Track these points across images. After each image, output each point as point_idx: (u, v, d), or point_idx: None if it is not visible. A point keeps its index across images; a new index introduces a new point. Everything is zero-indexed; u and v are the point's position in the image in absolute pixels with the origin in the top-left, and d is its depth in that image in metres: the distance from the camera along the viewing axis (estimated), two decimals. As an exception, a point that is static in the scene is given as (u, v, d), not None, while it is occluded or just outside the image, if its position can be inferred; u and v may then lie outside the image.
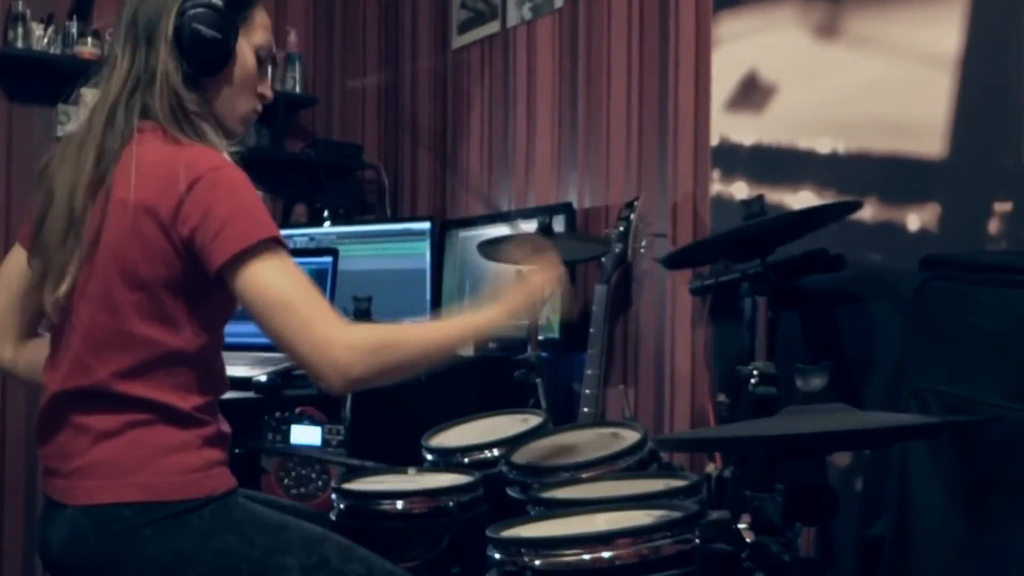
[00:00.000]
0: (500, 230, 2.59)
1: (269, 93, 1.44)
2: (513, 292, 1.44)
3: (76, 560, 1.25)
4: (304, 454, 2.08)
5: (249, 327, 2.42)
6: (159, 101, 1.30)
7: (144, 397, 1.26)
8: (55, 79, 2.84)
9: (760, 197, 1.85)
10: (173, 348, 1.27)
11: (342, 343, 1.21)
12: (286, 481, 2.08)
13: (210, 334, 1.32)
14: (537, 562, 1.27)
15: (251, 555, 1.24)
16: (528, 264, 1.49)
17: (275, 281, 1.23)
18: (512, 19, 2.96)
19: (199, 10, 1.32)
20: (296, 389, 2.19)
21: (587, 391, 2.11)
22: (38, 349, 1.42)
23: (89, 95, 2.94)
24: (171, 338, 1.27)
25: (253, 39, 1.39)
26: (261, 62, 1.41)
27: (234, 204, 1.24)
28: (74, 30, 2.88)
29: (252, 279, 1.22)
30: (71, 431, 1.28)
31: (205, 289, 1.27)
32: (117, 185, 1.27)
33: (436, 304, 2.84)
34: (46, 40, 2.86)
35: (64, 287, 1.27)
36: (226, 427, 1.37)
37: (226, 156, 1.32)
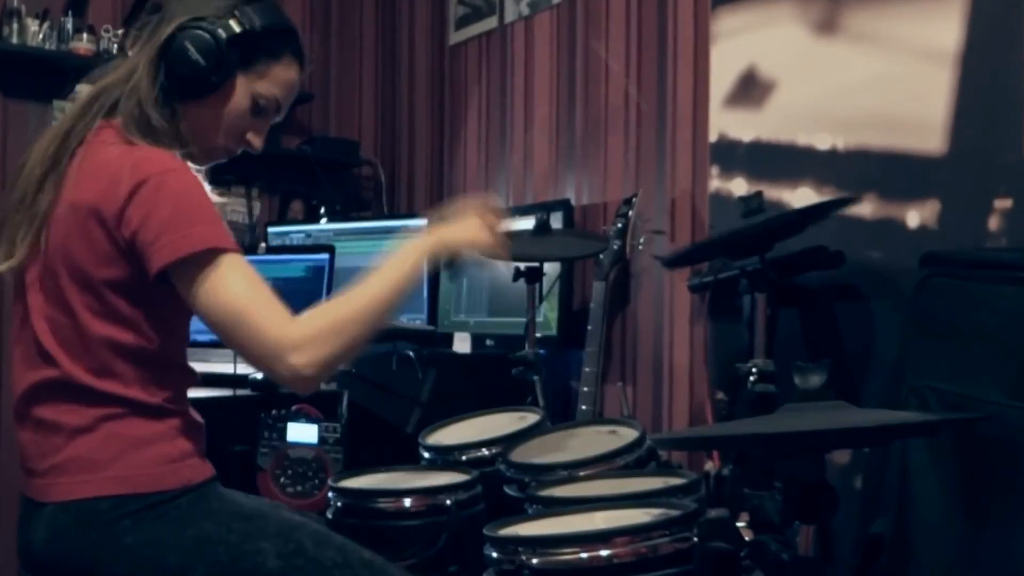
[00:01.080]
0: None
1: (258, 144, 1.39)
2: (437, 228, 1.40)
3: (58, 557, 1.25)
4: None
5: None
6: (126, 103, 1.30)
7: (112, 392, 1.26)
8: (50, 75, 2.84)
9: (759, 194, 1.85)
10: (132, 346, 1.27)
11: (289, 345, 1.19)
12: (282, 479, 2.07)
13: (169, 331, 1.31)
14: (535, 561, 1.26)
15: (228, 539, 1.25)
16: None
17: (219, 289, 1.20)
18: (510, 15, 2.95)
19: (198, 32, 1.29)
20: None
21: (585, 389, 2.11)
22: None
23: (84, 91, 2.95)
24: (128, 337, 1.26)
25: (257, 86, 1.34)
26: (260, 111, 1.36)
27: (176, 210, 1.21)
28: (69, 26, 2.88)
29: (195, 288, 1.20)
30: (45, 429, 1.28)
31: (155, 289, 1.25)
32: (68, 184, 1.27)
33: (432, 302, 2.83)
34: (41, 36, 2.85)
35: (12, 263, 1.28)
36: (198, 418, 1.37)
37: (178, 157, 1.29)
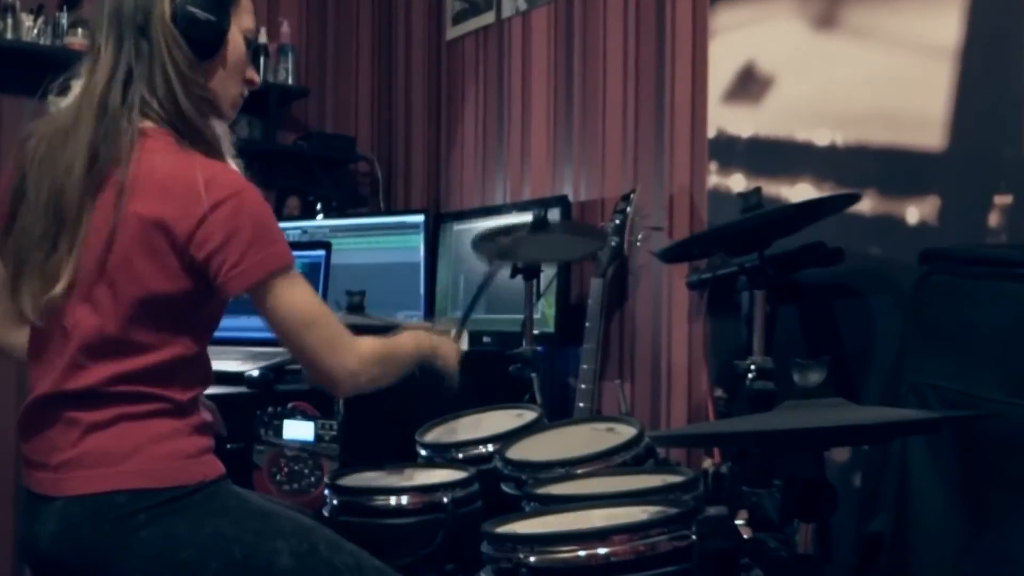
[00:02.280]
0: (495, 223, 2.57)
1: (257, 78, 1.44)
2: (441, 336, 1.64)
3: (67, 551, 1.24)
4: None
5: (241, 321, 2.41)
6: (159, 93, 1.29)
7: (140, 392, 1.27)
8: (45, 70, 2.82)
9: (758, 190, 1.85)
10: (172, 355, 1.29)
11: (356, 356, 1.35)
12: (278, 477, 2.06)
13: (206, 339, 1.35)
14: (532, 559, 1.26)
15: (243, 538, 1.25)
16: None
17: (298, 302, 1.31)
18: (507, 10, 2.94)
19: None
20: (288, 384, 2.18)
21: (583, 386, 2.10)
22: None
23: (78, 87, 2.95)
24: (171, 346, 1.29)
25: (242, 23, 1.39)
26: (248, 45, 1.41)
27: (258, 230, 1.27)
28: (64, 21, 2.86)
29: (277, 302, 1.29)
30: (60, 426, 1.27)
31: (207, 300, 1.30)
32: (132, 196, 1.25)
33: (430, 298, 2.82)
34: (36, 31, 2.84)
35: (59, 288, 1.25)
36: (206, 414, 1.38)
37: (234, 166, 1.33)
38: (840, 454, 1.86)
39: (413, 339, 1.52)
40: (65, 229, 1.26)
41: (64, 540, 1.24)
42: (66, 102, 1.35)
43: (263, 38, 3.17)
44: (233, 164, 1.36)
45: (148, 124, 1.30)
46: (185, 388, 1.30)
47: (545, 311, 2.48)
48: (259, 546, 1.25)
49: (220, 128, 1.37)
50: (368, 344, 1.39)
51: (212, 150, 1.32)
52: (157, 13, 1.30)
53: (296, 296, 1.30)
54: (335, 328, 1.34)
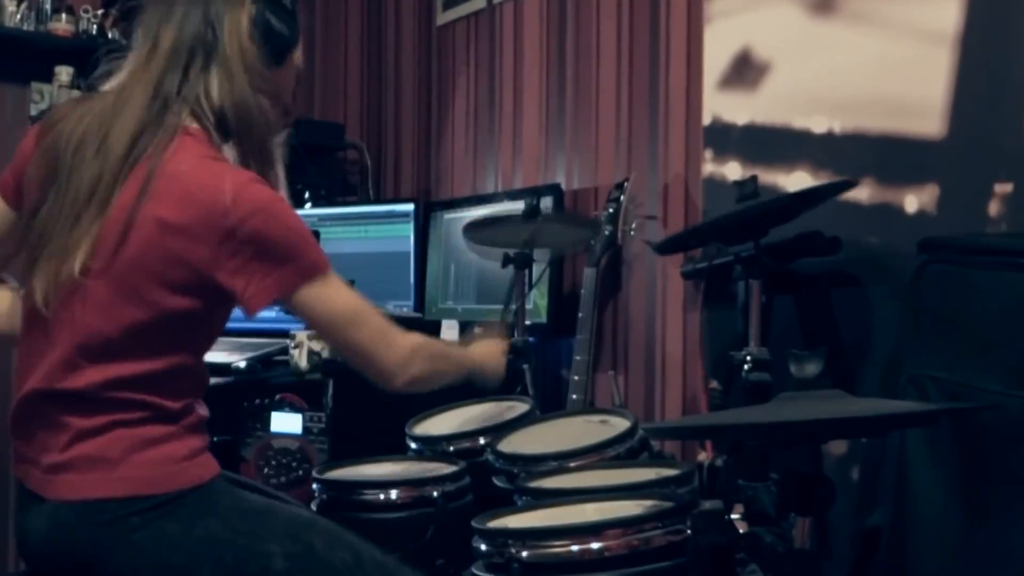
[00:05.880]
0: (485, 211, 2.55)
1: (291, 103, 1.49)
2: (492, 350, 1.64)
3: (57, 551, 1.23)
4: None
5: (227, 311, 2.35)
6: (217, 91, 1.27)
7: (131, 398, 1.24)
8: (28, 56, 2.80)
9: (753, 178, 1.84)
10: (170, 365, 1.26)
11: (409, 346, 1.36)
12: (266, 470, 2.05)
13: (206, 347, 1.33)
14: (524, 553, 1.26)
15: (236, 541, 1.23)
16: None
17: (342, 300, 1.31)
18: (499, -5, 2.91)
19: (272, 2, 1.34)
20: (276, 375, 2.15)
21: (575, 377, 2.10)
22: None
23: (63, 73, 2.92)
24: (170, 356, 1.26)
25: (298, 46, 1.42)
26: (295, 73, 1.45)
27: (288, 246, 1.26)
28: (47, 6, 2.86)
29: (321, 302, 1.29)
30: (51, 427, 1.25)
31: (215, 311, 1.28)
32: (155, 195, 1.22)
33: (420, 288, 2.80)
34: (19, 16, 2.82)
35: (76, 264, 1.21)
36: (204, 410, 1.35)
37: (266, 183, 1.30)
38: (837, 447, 1.85)
39: (463, 351, 1.58)
40: (90, 209, 1.23)
41: (54, 540, 1.23)
42: (52, 88, 1.33)
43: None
44: (281, 175, 1.35)
45: (193, 125, 1.27)
46: (179, 397, 1.27)
47: (537, 301, 2.47)
48: (252, 549, 1.23)
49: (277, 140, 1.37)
50: (417, 337, 1.39)
51: (263, 157, 1.31)
52: (235, 13, 1.30)
53: (335, 296, 1.30)
54: (382, 322, 1.35)
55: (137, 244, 1.21)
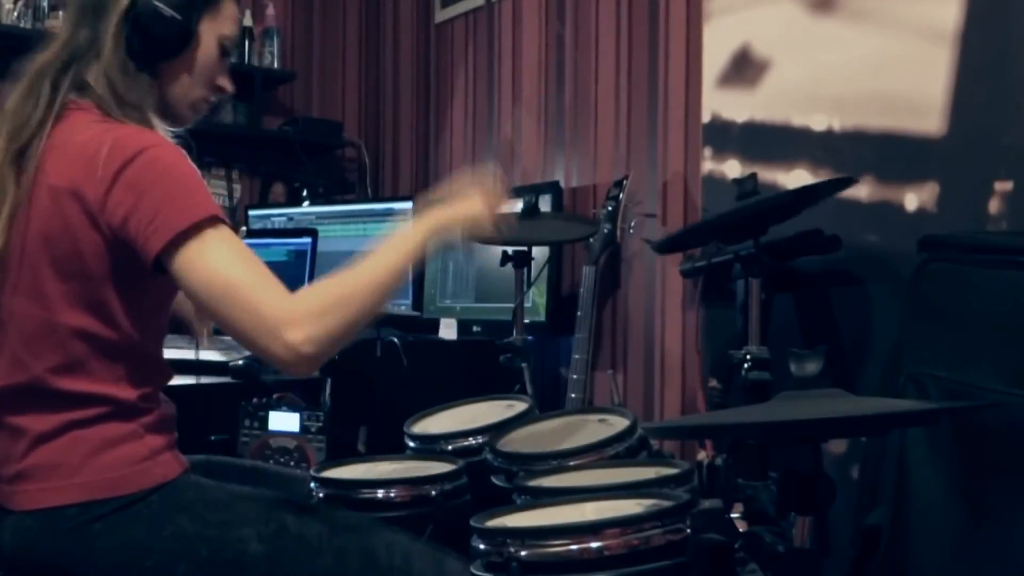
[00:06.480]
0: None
1: (229, 87, 1.38)
2: (440, 207, 1.34)
3: (29, 561, 1.22)
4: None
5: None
6: (98, 78, 1.25)
7: (83, 392, 1.22)
8: (25, 53, 2.79)
9: (753, 176, 1.83)
10: (109, 340, 1.22)
11: (286, 320, 1.13)
12: (264, 468, 2.04)
13: (148, 323, 1.27)
14: (523, 553, 1.24)
15: (207, 533, 1.21)
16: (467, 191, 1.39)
17: (215, 263, 1.14)
18: (497, -7, 2.90)
19: None
20: (274, 374, 2.15)
21: (574, 376, 2.09)
22: None
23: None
24: (106, 330, 1.22)
25: (220, 28, 1.33)
26: (225, 53, 1.35)
27: (169, 185, 1.17)
28: (44, 3, 2.85)
29: (191, 263, 1.15)
30: (7, 435, 1.23)
31: (139, 278, 1.21)
32: (46, 168, 1.21)
33: (418, 286, 2.80)
34: (16, 14, 2.82)
35: None
36: (169, 408, 1.33)
37: (160, 133, 1.26)
38: (837, 446, 1.85)
39: (394, 245, 1.26)
40: None
41: (23, 552, 1.21)
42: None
43: (248, 21, 3.14)
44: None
45: (84, 102, 1.25)
46: (133, 385, 1.24)
47: (536, 300, 2.46)
48: (225, 538, 1.21)
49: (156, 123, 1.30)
50: (305, 300, 1.16)
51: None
52: (115, 2, 1.26)
53: (210, 255, 1.14)
54: (259, 292, 1.13)
55: (38, 219, 1.20)
